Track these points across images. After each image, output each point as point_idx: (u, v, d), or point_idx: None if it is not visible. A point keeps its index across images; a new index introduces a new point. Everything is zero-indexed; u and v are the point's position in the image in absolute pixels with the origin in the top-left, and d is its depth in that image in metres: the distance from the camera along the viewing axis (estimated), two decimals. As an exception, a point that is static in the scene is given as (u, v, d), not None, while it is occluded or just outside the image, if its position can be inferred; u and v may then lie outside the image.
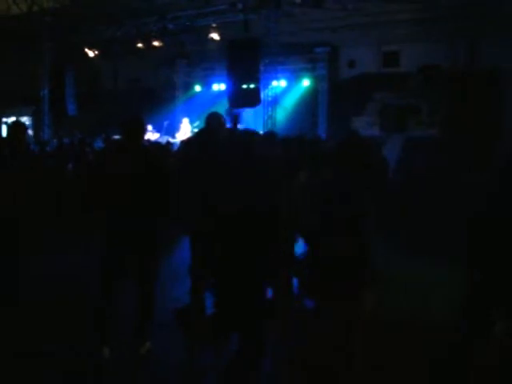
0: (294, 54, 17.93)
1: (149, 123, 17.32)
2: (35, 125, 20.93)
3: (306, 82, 19.46)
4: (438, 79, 15.20)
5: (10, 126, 6.07)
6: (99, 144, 14.52)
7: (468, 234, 3.67)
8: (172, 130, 18.48)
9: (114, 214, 4.71)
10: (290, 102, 19.43)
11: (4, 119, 21.38)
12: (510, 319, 3.58)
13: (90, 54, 18.75)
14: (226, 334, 3.81)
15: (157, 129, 18.17)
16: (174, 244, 7.93)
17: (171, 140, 15.85)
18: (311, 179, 4.93)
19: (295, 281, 5.45)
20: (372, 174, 4.92)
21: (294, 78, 19.43)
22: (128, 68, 21.20)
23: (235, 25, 15.16)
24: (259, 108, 15.51)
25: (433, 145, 13.00)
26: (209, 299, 4.79)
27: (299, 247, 6.24)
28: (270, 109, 15.43)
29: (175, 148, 12.34)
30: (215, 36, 16.25)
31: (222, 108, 15.26)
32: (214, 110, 5.97)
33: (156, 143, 13.12)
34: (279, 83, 17.59)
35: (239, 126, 14.41)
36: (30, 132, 20.23)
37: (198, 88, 21.70)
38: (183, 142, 8.36)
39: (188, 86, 21.88)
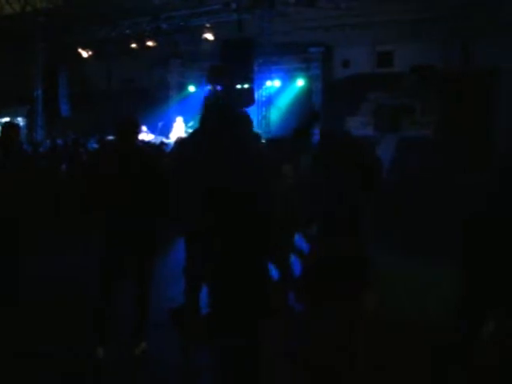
0: (288, 53, 17.92)
1: (143, 124, 17.25)
2: (29, 125, 20.85)
3: (300, 82, 19.45)
4: (433, 79, 15.24)
5: (2, 127, 6.07)
6: (93, 145, 14.48)
7: (465, 235, 3.67)
8: (166, 130, 18.42)
9: (111, 214, 4.70)
10: (284, 102, 19.41)
11: (-1, 120, 21.31)
12: (508, 319, 3.58)
13: (84, 54, 18.69)
14: (222, 333, 3.80)
15: (151, 129, 18.12)
16: (169, 244, 7.92)
17: (165, 140, 15.81)
18: (302, 178, 4.93)
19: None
20: (365, 174, 4.91)
21: (288, 78, 19.42)
22: (122, 68, 21.13)
23: (229, 25, 15.16)
24: (253, 108, 15.49)
25: (427, 145, 13.03)
26: (204, 299, 4.79)
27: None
28: (264, 109, 15.44)
29: (169, 148, 12.31)
30: (209, 36, 16.23)
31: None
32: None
33: (148, 143, 13.09)
34: (273, 83, 17.58)
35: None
36: (24, 132, 20.17)
37: (191, 88, 21.66)
38: (177, 142, 8.35)
39: (182, 86, 21.83)
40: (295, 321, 4.84)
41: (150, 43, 17.43)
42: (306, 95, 19.27)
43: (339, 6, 13.73)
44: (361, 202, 3.70)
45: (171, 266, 6.94)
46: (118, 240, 4.71)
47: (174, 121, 18.70)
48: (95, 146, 14.03)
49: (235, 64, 14.75)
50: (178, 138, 11.63)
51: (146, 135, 17.17)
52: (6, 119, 18.10)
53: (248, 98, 14.82)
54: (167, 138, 17.37)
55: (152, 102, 20.44)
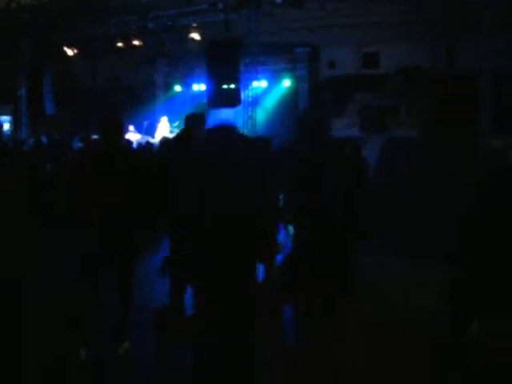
0: (274, 54, 17.92)
1: (129, 123, 17.20)
2: (14, 124, 20.66)
3: (286, 83, 19.47)
4: (420, 80, 15.31)
5: None
6: (77, 144, 14.37)
7: (461, 233, 3.69)
8: (152, 130, 18.37)
9: (97, 214, 4.67)
10: (270, 103, 19.44)
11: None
12: (493, 319, 3.60)
13: (69, 52, 18.56)
14: (208, 333, 3.78)
15: (137, 129, 18.05)
16: (154, 243, 7.88)
17: (151, 140, 15.76)
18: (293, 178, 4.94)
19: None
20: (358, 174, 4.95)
21: (274, 79, 19.44)
22: (108, 67, 21.00)
23: (216, 25, 15.11)
24: (239, 108, 15.45)
25: (413, 145, 13.09)
26: (189, 300, 4.78)
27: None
28: (250, 109, 15.41)
29: (155, 148, 12.27)
30: (196, 36, 16.18)
31: (201, 108, 15.24)
32: (193, 110, 5.96)
33: (129, 143, 12.99)
34: (260, 83, 17.58)
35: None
36: (8, 131, 20.01)
37: (178, 88, 21.62)
38: (161, 143, 8.33)
39: (168, 86, 21.78)
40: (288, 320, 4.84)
41: (136, 42, 17.33)
42: (293, 96, 19.29)
43: (325, 7, 13.75)
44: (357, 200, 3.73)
45: (156, 266, 6.91)
46: (104, 239, 4.68)
47: (159, 120, 18.66)
48: (79, 144, 13.92)
49: (221, 64, 14.72)
50: (163, 138, 11.60)
51: (132, 135, 17.11)
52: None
53: (234, 98, 14.79)
54: (153, 137, 17.32)
55: (138, 101, 20.36)
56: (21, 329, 5.30)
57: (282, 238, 6.07)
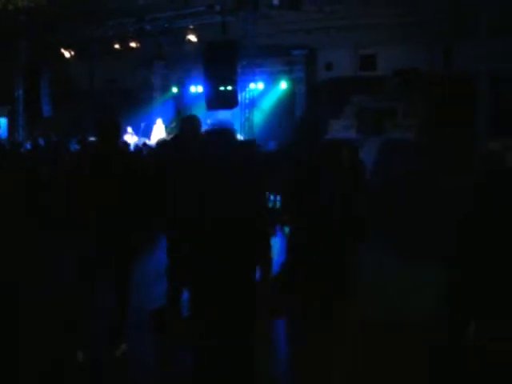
0: (271, 56, 17.96)
1: (126, 125, 17.20)
2: (10, 125, 20.64)
3: (283, 85, 19.50)
4: (417, 82, 15.34)
5: None
6: (74, 146, 14.37)
7: (457, 235, 3.70)
8: (149, 131, 18.39)
9: (94, 215, 4.67)
10: (267, 105, 19.46)
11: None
12: (490, 320, 3.61)
13: (66, 54, 18.55)
14: (208, 335, 3.78)
15: (135, 131, 18.06)
16: (151, 244, 7.88)
17: (148, 142, 15.76)
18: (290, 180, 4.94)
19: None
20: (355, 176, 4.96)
21: (271, 81, 19.47)
22: (105, 69, 21.00)
23: (213, 27, 15.13)
24: (236, 110, 15.49)
25: (410, 147, 13.10)
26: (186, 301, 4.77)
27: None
28: (247, 111, 15.42)
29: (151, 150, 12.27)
30: (193, 38, 16.20)
31: (199, 110, 15.25)
32: (190, 112, 5.96)
33: (126, 144, 13.00)
34: (257, 85, 17.61)
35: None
36: (5, 132, 19.99)
37: (175, 90, 21.63)
38: (158, 144, 8.33)
39: (165, 88, 21.79)
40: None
41: (133, 44, 17.34)
42: (290, 98, 19.32)
43: (323, 10, 13.77)
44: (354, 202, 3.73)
45: (153, 267, 6.91)
46: (101, 241, 4.67)
47: (155, 122, 18.67)
48: (76, 146, 13.92)
49: (219, 66, 14.73)
50: (160, 140, 11.61)
51: (130, 137, 17.12)
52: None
53: (231, 100, 14.81)
54: (149, 139, 17.34)
55: (135, 103, 20.37)
56: (18, 331, 5.29)
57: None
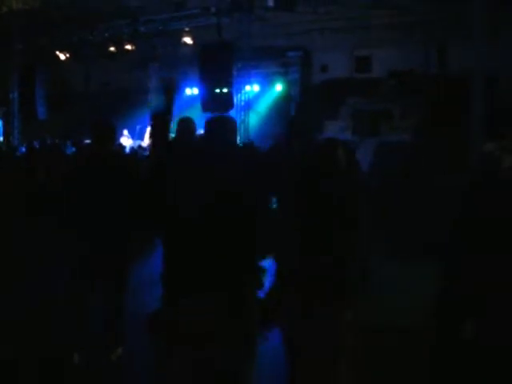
0: (266, 58, 17.94)
1: (122, 127, 17.17)
2: (5, 128, 20.59)
3: (278, 87, 19.49)
4: (412, 84, 15.35)
5: None
6: (70, 148, 14.35)
7: (452, 235, 3.70)
8: (144, 134, 18.35)
9: (93, 218, 4.65)
10: (262, 107, 19.44)
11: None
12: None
13: (61, 56, 18.52)
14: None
15: (131, 133, 18.03)
16: (147, 248, 7.85)
17: (143, 144, 15.74)
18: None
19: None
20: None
21: (266, 83, 19.45)
22: (100, 71, 20.98)
23: (208, 29, 15.14)
24: (232, 112, 15.46)
25: (406, 149, 13.10)
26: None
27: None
28: (242, 113, 15.45)
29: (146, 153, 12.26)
30: (188, 40, 16.20)
31: (194, 112, 15.23)
32: (186, 114, 5.96)
33: (122, 147, 12.99)
34: (252, 88, 17.60)
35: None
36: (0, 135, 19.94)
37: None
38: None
39: (160, 90, 21.74)
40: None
41: (128, 46, 17.34)
42: (285, 100, 19.31)
43: (317, 11, 13.79)
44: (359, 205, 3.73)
45: (148, 271, 6.89)
46: (96, 243, 4.66)
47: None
48: (72, 149, 13.90)
49: (214, 68, 14.73)
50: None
51: (126, 139, 17.09)
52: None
53: (227, 102, 14.81)
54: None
55: (130, 106, 20.33)
56: (14, 333, 5.27)
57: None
